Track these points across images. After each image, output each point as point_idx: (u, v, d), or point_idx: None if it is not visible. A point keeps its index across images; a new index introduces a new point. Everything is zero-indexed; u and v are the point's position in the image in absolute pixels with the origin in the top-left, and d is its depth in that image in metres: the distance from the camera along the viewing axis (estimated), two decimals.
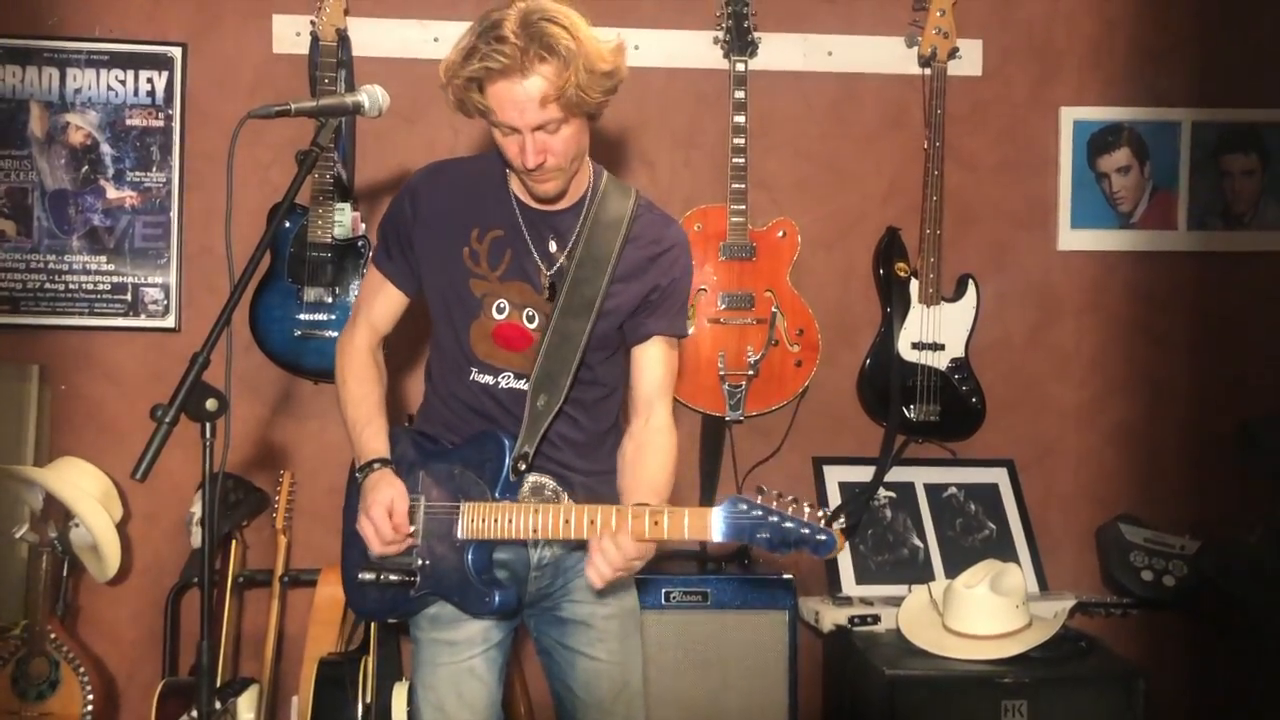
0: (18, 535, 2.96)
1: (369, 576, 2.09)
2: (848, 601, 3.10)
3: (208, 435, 1.78)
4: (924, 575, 3.19)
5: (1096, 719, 2.72)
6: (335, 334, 3.04)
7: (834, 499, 3.30)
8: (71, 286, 3.22)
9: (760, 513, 1.82)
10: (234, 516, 3.12)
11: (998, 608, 2.82)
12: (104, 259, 3.23)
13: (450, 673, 2.10)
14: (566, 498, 2.10)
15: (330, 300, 3.06)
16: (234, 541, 3.11)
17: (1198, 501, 3.44)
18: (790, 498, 1.83)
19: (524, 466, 2.05)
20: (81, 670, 2.96)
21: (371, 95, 2.01)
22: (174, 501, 3.16)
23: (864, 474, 3.31)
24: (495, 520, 2.00)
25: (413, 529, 2.05)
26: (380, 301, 2.21)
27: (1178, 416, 3.48)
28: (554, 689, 2.23)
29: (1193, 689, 3.39)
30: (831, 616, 3.01)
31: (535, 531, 1.98)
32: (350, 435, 2.15)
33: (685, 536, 1.88)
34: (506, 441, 2.04)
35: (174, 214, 3.24)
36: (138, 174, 3.24)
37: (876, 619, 3.00)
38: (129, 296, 3.24)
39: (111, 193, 3.24)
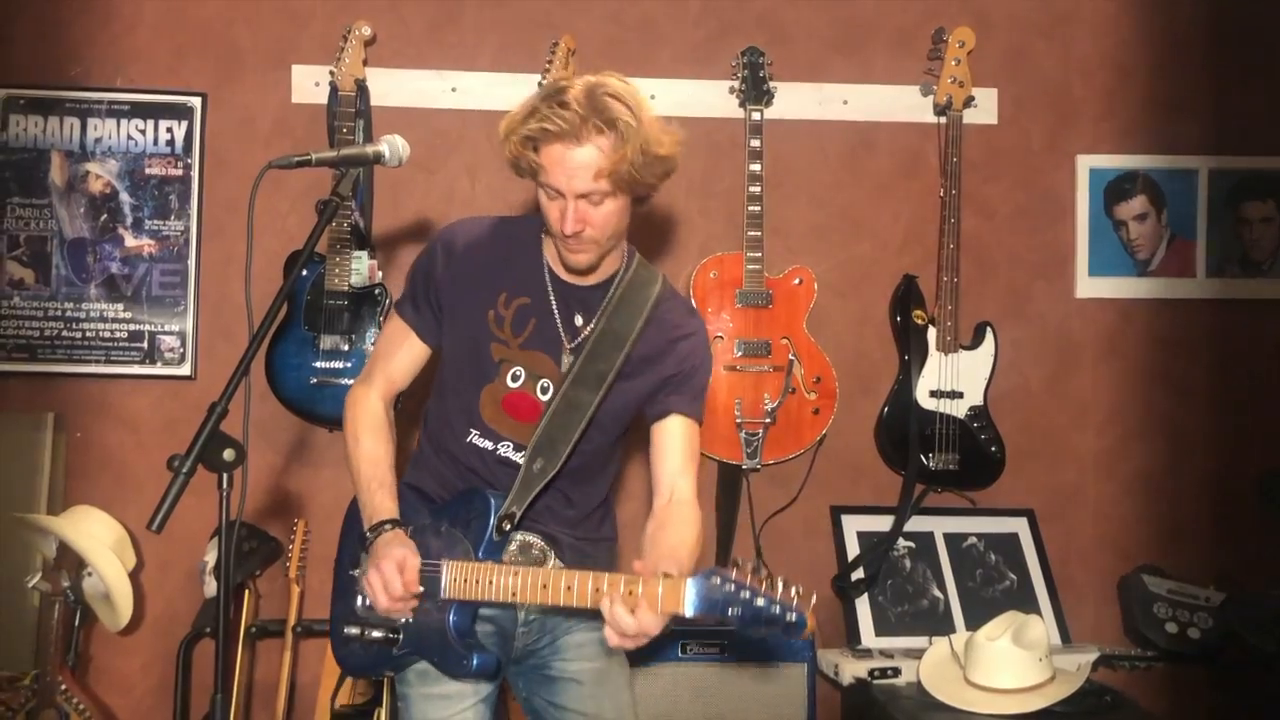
0: (30, 584, 2.94)
1: (353, 631, 2.06)
2: (867, 654, 3.06)
3: (224, 485, 1.77)
4: (944, 626, 3.15)
5: None
6: (350, 382, 3.04)
7: (852, 549, 3.26)
8: (88, 334, 3.23)
9: (733, 587, 1.68)
10: (247, 566, 3.10)
11: (1021, 661, 2.77)
12: (121, 307, 3.24)
13: None
14: (554, 558, 2.08)
15: (346, 348, 3.06)
16: (247, 591, 3.08)
17: (1221, 552, 3.40)
18: (765, 574, 1.71)
19: (509, 527, 2.01)
20: None
21: (392, 145, 2.02)
22: (186, 550, 3.14)
23: (883, 523, 3.27)
24: (477, 581, 1.95)
25: (420, 590, 1.99)
26: (402, 354, 2.17)
27: (1198, 465, 3.45)
28: None
29: None
30: (851, 669, 2.97)
31: (514, 595, 1.92)
32: (360, 491, 2.09)
33: (659, 610, 1.74)
34: (493, 500, 2.01)
35: (191, 262, 3.25)
36: (156, 222, 3.26)
37: (897, 671, 2.95)
38: (145, 344, 3.24)
39: (130, 241, 3.25)
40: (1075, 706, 2.72)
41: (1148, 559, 3.38)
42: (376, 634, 2.04)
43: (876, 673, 2.94)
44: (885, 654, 3.05)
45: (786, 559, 3.32)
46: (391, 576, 1.95)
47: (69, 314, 3.23)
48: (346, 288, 3.04)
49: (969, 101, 3.30)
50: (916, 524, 3.29)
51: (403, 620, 2.02)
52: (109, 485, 3.19)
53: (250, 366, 1.83)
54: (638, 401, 2.10)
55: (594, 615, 1.90)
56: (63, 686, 2.92)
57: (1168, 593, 3.24)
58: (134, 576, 3.06)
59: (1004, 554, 3.32)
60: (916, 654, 2.97)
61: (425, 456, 2.18)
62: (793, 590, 1.67)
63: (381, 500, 2.06)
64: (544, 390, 2.06)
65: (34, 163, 3.23)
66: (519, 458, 2.05)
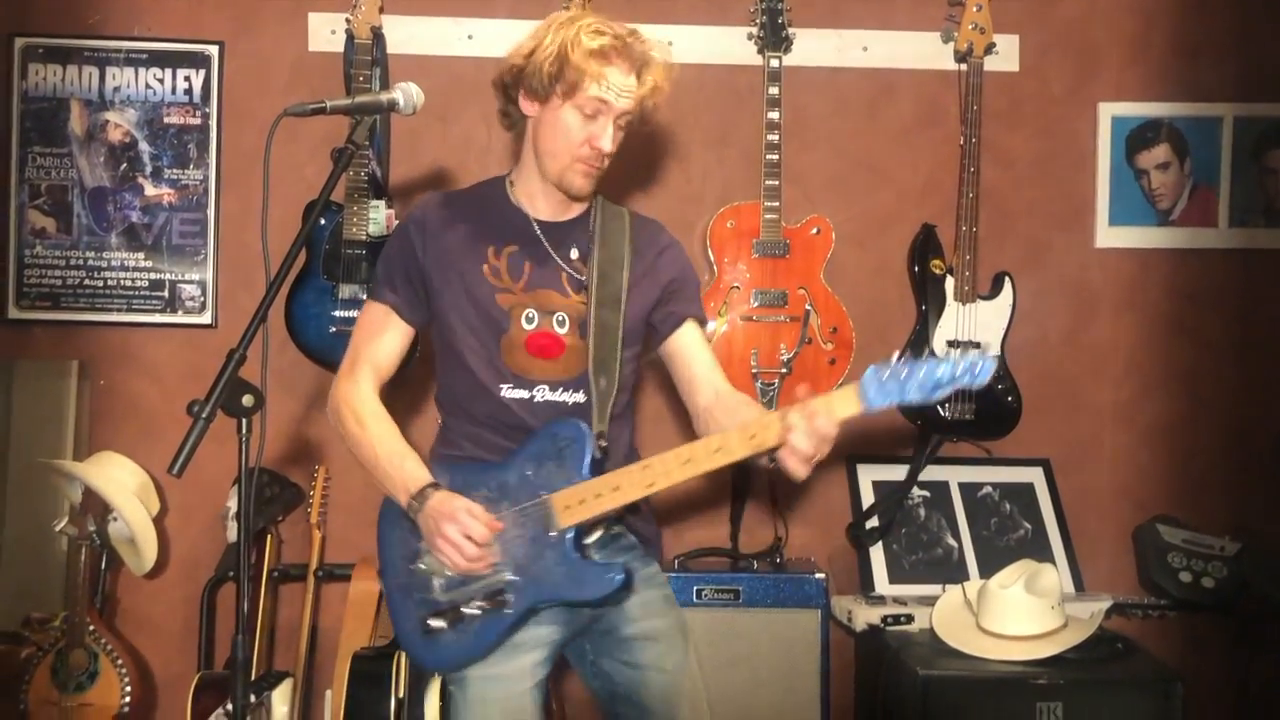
0: (57, 528, 3.00)
1: (440, 624, 2.00)
2: (881, 600, 3.08)
3: (243, 431, 1.80)
4: (958, 575, 3.17)
5: None
6: None
7: (867, 497, 3.28)
8: (110, 283, 3.26)
9: (905, 369, 1.79)
10: (269, 511, 3.14)
11: (1033, 608, 2.79)
12: (142, 256, 3.27)
13: (504, 709, 2.04)
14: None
15: (365, 297, 3.07)
16: (269, 536, 3.13)
17: (1237, 503, 3.40)
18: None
19: (605, 444, 2.04)
20: (119, 662, 2.99)
21: (406, 92, 2.02)
22: (210, 496, 3.18)
23: (898, 473, 3.29)
24: (597, 495, 1.95)
25: (501, 529, 1.98)
26: (385, 339, 2.15)
27: (1217, 417, 3.43)
28: (616, 712, 2.20)
29: (1231, 692, 3.33)
30: (864, 615, 3.00)
31: (650, 485, 1.93)
32: (384, 473, 2.04)
33: (835, 415, 1.82)
34: (582, 423, 2.02)
35: (211, 211, 3.27)
36: (175, 171, 3.27)
37: (910, 618, 2.98)
38: (166, 293, 3.27)
39: (150, 190, 3.27)
40: (1087, 653, 2.75)
41: (1164, 510, 3.38)
42: (475, 607, 1.97)
43: (890, 619, 2.97)
44: (899, 601, 3.07)
45: (802, 507, 3.35)
46: (468, 522, 1.93)
47: (90, 263, 3.26)
48: (365, 237, 3.05)
49: (990, 48, 3.26)
50: (932, 473, 3.30)
51: (507, 578, 1.98)
52: (132, 432, 3.24)
53: (268, 314, 1.85)
54: (646, 313, 2.18)
55: (650, 574, 2.10)
56: (91, 628, 2.99)
57: (1182, 542, 3.25)
58: (158, 521, 3.11)
59: (1019, 504, 3.33)
60: (930, 601, 3.00)
61: (456, 433, 2.16)
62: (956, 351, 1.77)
63: (413, 469, 2.02)
64: (561, 324, 2.10)
65: (53, 112, 3.25)
66: (560, 396, 2.09)
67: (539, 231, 2.14)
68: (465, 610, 1.99)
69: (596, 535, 2.06)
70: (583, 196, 2.14)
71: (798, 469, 1.87)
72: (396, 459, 2.04)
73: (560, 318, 2.10)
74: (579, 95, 2.02)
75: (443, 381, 2.22)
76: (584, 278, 2.12)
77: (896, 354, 1.84)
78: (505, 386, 2.09)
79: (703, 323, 2.26)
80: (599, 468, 2.00)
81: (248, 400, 1.79)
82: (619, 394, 2.11)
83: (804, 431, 1.83)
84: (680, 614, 2.23)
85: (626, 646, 2.15)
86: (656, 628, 2.16)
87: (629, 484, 1.95)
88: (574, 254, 2.15)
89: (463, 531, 1.93)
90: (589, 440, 2.00)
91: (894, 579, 3.19)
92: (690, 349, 2.22)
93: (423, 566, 2.05)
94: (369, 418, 2.08)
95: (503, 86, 2.14)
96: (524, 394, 2.09)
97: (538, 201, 2.17)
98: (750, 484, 3.28)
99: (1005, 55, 3.35)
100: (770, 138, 3.15)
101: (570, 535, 1.97)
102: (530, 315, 2.10)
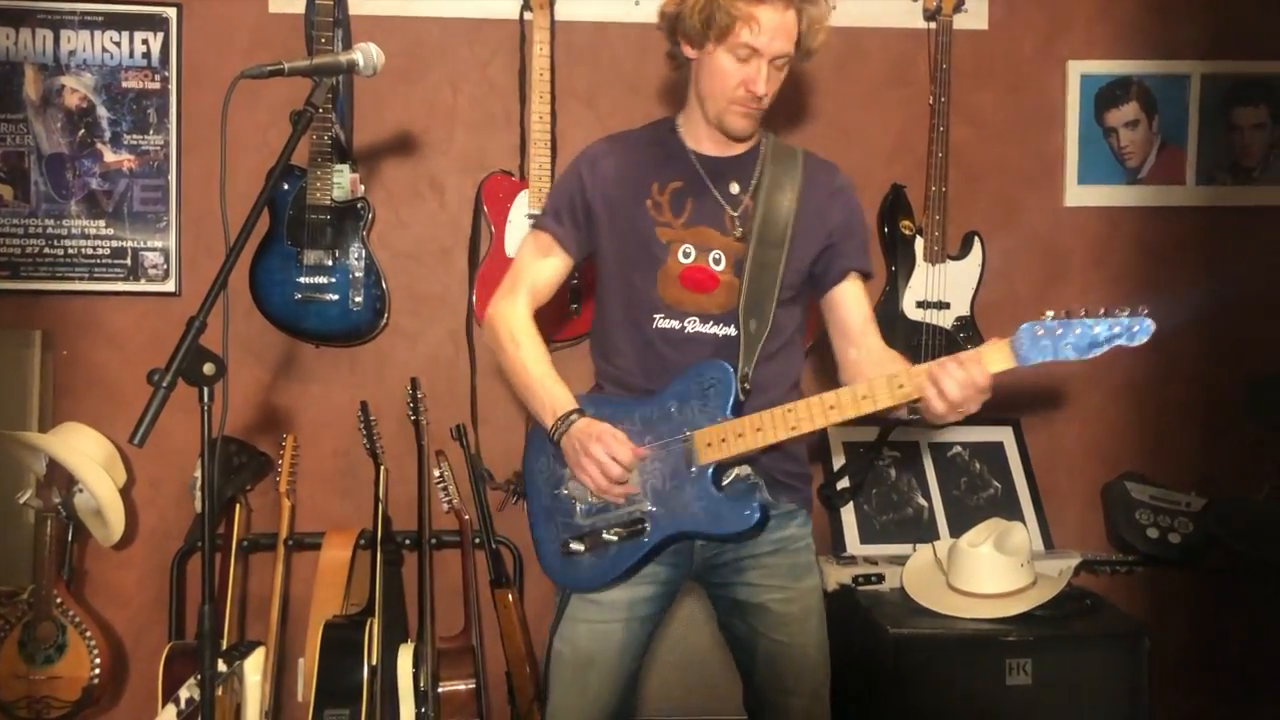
0: (22, 501, 2.97)
1: (579, 546, 2.08)
2: (852, 561, 3.10)
3: (205, 399, 1.77)
4: (928, 534, 3.19)
5: (1101, 676, 2.71)
6: (335, 297, 3.04)
7: (838, 459, 3.29)
8: (71, 251, 3.21)
9: (1060, 325, 1.84)
10: (237, 480, 3.12)
11: (1002, 566, 2.81)
12: (103, 223, 3.21)
13: (589, 630, 2.13)
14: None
15: (330, 263, 3.04)
16: (238, 505, 3.11)
17: (1205, 459, 3.43)
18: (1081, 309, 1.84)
19: (749, 386, 2.06)
20: (88, 634, 2.97)
21: (366, 53, 1.98)
22: (177, 466, 3.15)
23: (868, 434, 3.29)
24: (739, 435, 1.99)
25: (630, 474, 2.03)
26: (545, 267, 2.21)
27: (1185, 374, 3.45)
28: (736, 656, 2.27)
29: (1198, 646, 3.39)
30: (836, 575, 3.01)
31: (793, 429, 1.97)
32: (533, 393, 2.12)
33: (986, 367, 1.88)
34: (727, 365, 2.05)
35: (172, 177, 3.22)
36: (135, 137, 3.21)
37: (881, 578, 2.99)
38: (129, 261, 3.22)
39: (109, 156, 3.21)
40: (1056, 610, 2.77)
41: (1133, 467, 3.40)
42: (613, 534, 2.04)
43: (861, 579, 2.99)
44: (869, 560, 3.09)
45: None
46: (613, 444, 2.00)
47: (50, 231, 3.20)
48: (329, 201, 3.00)
49: (959, 6, 3.24)
50: (901, 434, 3.31)
51: (647, 507, 2.04)
52: (97, 402, 3.20)
53: (228, 280, 1.81)
54: (810, 258, 2.17)
55: (781, 540, 2.13)
56: (58, 600, 2.96)
57: (1150, 499, 3.28)
58: (125, 492, 3.08)
59: (989, 463, 3.35)
60: (901, 561, 3.01)
61: (608, 361, 2.21)
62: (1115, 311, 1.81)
63: (561, 393, 2.10)
64: (717, 261, 2.12)
65: (7, 76, 3.18)
66: (710, 328, 2.11)
67: (702, 168, 2.16)
68: (605, 536, 2.06)
69: (734, 475, 2.08)
70: (743, 137, 2.15)
71: (944, 414, 1.93)
72: (549, 381, 2.11)
73: (717, 255, 2.12)
74: (730, 39, 2.03)
75: (596, 324, 2.28)
76: (747, 214, 2.13)
77: (1050, 312, 1.87)
78: (658, 316, 2.13)
79: (867, 276, 2.25)
80: (740, 409, 2.04)
81: (209, 369, 1.76)
82: (770, 337, 2.12)
83: (955, 380, 1.88)
84: (807, 585, 2.21)
85: (739, 609, 2.19)
86: (772, 599, 2.16)
87: (771, 425, 1.99)
88: (734, 189, 2.16)
89: (608, 451, 2.00)
90: (734, 380, 2.04)
91: (865, 539, 3.21)
92: (848, 303, 2.22)
93: (565, 492, 2.13)
94: (524, 338, 2.15)
95: (666, 32, 2.17)
96: (675, 324, 2.13)
97: (703, 141, 2.19)
98: None
99: (975, 13, 3.34)
100: None
101: (710, 471, 2.02)
102: (688, 251, 2.12)
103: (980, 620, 2.75)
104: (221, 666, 2.76)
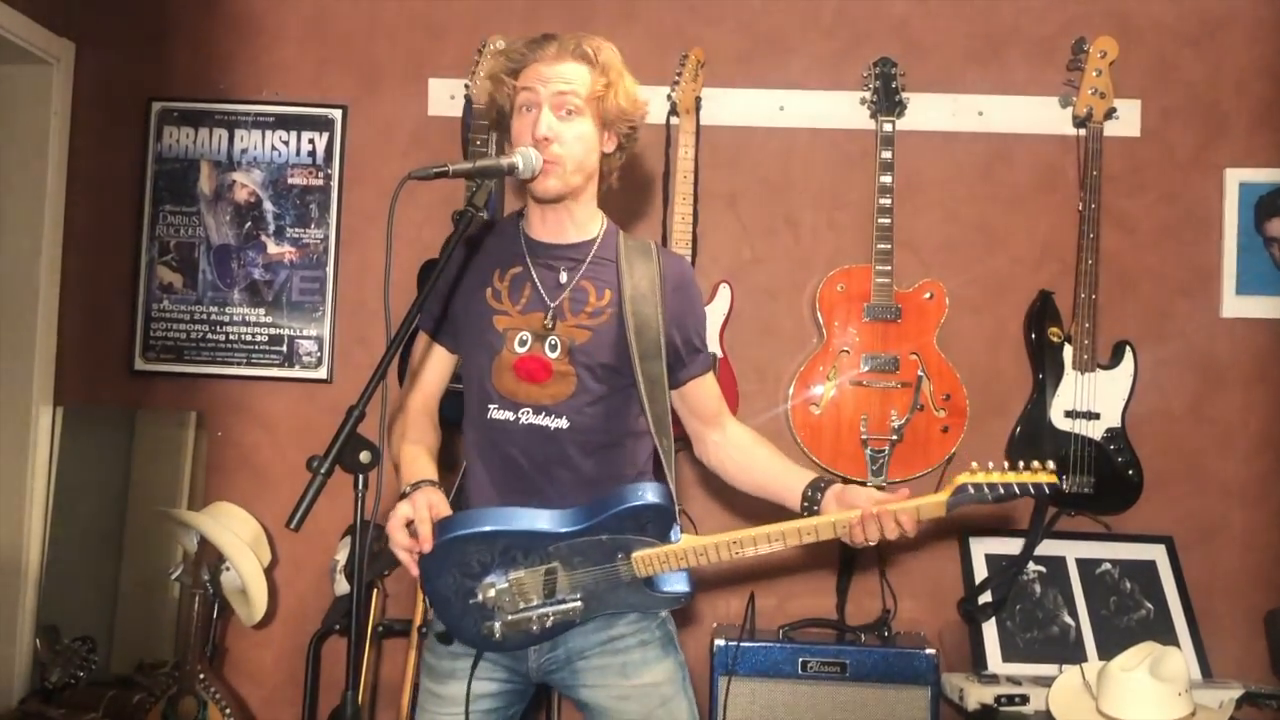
0: (173, 576, 3.07)
1: (498, 628, 2.03)
2: (994, 679, 2.97)
3: (359, 486, 1.81)
4: (1075, 655, 3.04)
5: None
6: None
7: (980, 572, 3.18)
8: (231, 337, 3.36)
9: (987, 491, 1.93)
10: (376, 566, 3.16)
11: (1158, 694, 2.65)
12: (262, 311, 3.36)
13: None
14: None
15: None
16: (375, 591, 3.15)
17: None
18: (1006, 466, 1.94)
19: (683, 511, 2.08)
20: (227, 711, 3.03)
21: (525, 156, 2.04)
22: (318, 548, 3.23)
23: (1013, 546, 3.18)
24: (681, 555, 1.99)
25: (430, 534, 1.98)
26: (430, 363, 2.23)
27: None
28: None
29: None
30: (977, 695, 2.88)
31: (737, 554, 2.00)
32: (403, 472, 2.09)
33: (920, 519, 1.96)
34: (665, 489, 2.01)
35: (330, 269, 3.36)
36: (297, 230, 3.37)
37: (1025, 699, 2.86)
38: (285, 348, 3.35)
39: (272, 248, 3.37)
40: None
41: None
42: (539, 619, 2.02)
43: (1004, 699, 2.86)
44: (1013, 680, 2.96)
45: (912, 580, 3.26)
46: (422, 524, 1.96)
47: (214, 317, 3.36)
48: None
49: (1110, 113, 3.20)
50: (1048, 548, 3.18)
51: (575, 605, 2.02)
52: (246, 483, 3.31)
53: (387, 371, 1.87)
54: (654, 350, 2.13)
55: (607, 639, 2.07)
56: (201, 675, 3.03)
57: None
58: (269, 573, 3.16)
59: (1140, 582, 3.19)
60: (1045, 682, 2.87)
61: (467, 451, 2.17)
62: (1033, 466, 1.93)
63: (424, 466, 2.08)
64: (553, 348, 2.09)
65: (184, 172, 3.38)
66: (542, 420, 2.07)
67: (537, 254, 2.15)
68: (532, 620, 2.02)
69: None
70: (549, 197, 2.09)
71: (858, 538, 1.97)
72: (419, 463, 2.09)
73: (553, 342, 2.09)
74: (515, 101, 2.07)
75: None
76: (584, 303, 2.11)
77: (977, 477, 1.95)
78: (492, 407, 2.10)
79: (711, 368, 2.25)
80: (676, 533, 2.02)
81: (364, 457, 1.80)
82: (606, 427, 2.09)
83: (888, 531, 1.96)
84: (650, 677, 2.11)
85: (588, 710, 2.13)
86: (609, 698, 2.09)
87: (714, 549, 1.99)
88: (564, 278, 2.13)
89: (417, 517, 1.96)
90: (675, 508, 2.01)
91: (1007, 657, 3.08)
92: (699, 396, 2.22)
93: (480, 599, 2.03)
94: (411, 431, 2.16)
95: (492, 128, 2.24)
96: (508, 415, 2.09)
97: (535, 224, 2.18)
98: (857, 553, 3.21)
99: (1126, 120, 3.28)
100: (882, 201, 3.13)
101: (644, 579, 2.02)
102: (524, 339, 2.09)
103: None
104: None
